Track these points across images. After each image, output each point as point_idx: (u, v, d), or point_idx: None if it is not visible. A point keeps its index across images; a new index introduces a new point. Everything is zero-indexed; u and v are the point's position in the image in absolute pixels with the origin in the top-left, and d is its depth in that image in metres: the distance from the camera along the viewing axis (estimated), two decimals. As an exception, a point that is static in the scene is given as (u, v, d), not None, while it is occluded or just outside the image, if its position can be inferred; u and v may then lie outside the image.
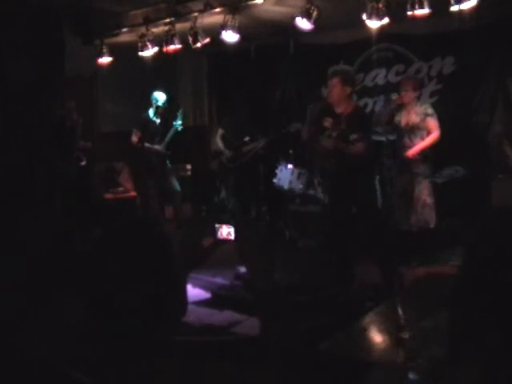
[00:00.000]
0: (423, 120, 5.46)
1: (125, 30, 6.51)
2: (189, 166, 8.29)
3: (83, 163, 6.87)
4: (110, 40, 6.70)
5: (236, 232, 6.68)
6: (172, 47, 6.07)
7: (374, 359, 2.46)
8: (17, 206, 5.44)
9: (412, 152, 5.43)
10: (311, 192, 6.22)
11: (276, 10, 5.86)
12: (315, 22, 5.25)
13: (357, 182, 4.59)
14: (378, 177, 5.73)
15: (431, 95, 6.53)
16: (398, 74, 6.80)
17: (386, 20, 4.96)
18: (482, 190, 5.63)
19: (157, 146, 6.94)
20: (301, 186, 6.25)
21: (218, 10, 5.65)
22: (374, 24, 5.03)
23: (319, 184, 6.13)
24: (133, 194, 7.64)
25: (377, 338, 2.75)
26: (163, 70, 7.57)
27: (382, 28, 5.12)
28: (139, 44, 6.24)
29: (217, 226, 6.83)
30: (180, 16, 5.92)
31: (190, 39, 5.87)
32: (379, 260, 4.66)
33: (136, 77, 7.29)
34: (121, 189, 7.66)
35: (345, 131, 4.60)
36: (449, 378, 1.33)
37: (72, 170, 6.64)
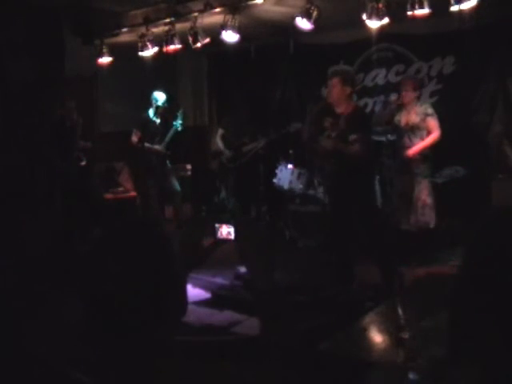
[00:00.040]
0: (423, 120, 5.46)
1: (125, 30, 6.51)
2: (189, 166, 8.29)
3: (83, 163, 6.87)
4: (109, 40, 6.70)
5: (236, 232, 6.70)
6: (172, 47, 6.07)
7: (374, 359, 2.46)
8: (17, 206, 5.44)
9: (412, 151, 5.43)
10: (311, 192, 6.22)
11: (276, 10, 5.86)
12: (315, 22, 5.25)
13: (356, 182, 4.59)
14: (377, 177, 5.73)
15: (431, 95, 6.53)
16: (398, 73, 6.80)
17: (386, 20, 4.96)
18: (482, 190, 5.63)
19: (157, 146, 6.95)
20: (301, 186, 6.26)
21: (218, 9, 5.65)
22: (373, 24, 5.03)
23: (319, 184, 6.13)
24: (133, 194, 7.64)
25: (377, 338, 2.75)
26: (163, 70, 7.58)
27: (382, 28, 5.12)
28: (139, 44, 6.24)
29: (217, 225, 6.83)
30: (180, 16, 5.92)
31: (190, 39, 5.87)
32: (379, 260, 4.66)
33: (136, 77, 7.29)
34: (121, 189, 7.66)
35: (344, 131, 4.60)
36: (449, 378, 1.33)
37: (72, 169, 6.64)
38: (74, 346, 1.27)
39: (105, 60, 6.70)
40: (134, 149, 6.94)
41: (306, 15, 5.21)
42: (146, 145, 6.88)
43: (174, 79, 8.66)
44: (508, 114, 6.08)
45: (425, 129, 5.48)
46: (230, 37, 5.65)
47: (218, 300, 4.76)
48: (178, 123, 6.98)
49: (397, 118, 5.66)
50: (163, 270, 1.24)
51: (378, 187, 5.69)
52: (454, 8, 4.61)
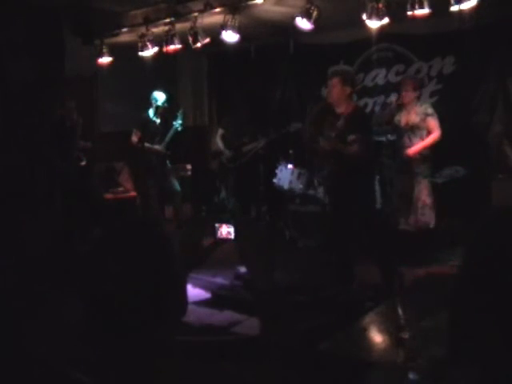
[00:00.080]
0: (423, 120, 5.47)
1: (125, 30, 6.51)
2: (189, 166, 8.29)
3: (83, 163, 6.87)
4: (110, 40, 6.70)
5: (236, 232, 6.70)
6: (172, 47, 6.07)
7: (374, 359, 2.46)
8: (17, 206, 5.45)
9: (412, 150, 5.43)
10: (311, 192, 6.22)
11: (276, 10, 5.86)
12: (315, 22, 5.25)
13: (356, 182, 4.59)
14: (377, 177, 5.73)
15: (431, 95, 6.53)
16: (398, 73, 6.80)
17: (386, 20, 4.96)
18: (482, 190, 5.63)
19: (157, 146, 6.95)
20: (301, 186, 6.26)
21: (218, 10, 5.65)
22: (373, 24, 5.03)
23: (319, 184, 6.13)
24: (133, 194, 7.64)
25: (377, 338, 2.75)
26: (163, 70, 7.58)
27: (382, 28, 5.12)
28: (139, 44, 6.24)
29: (217, 225, 6.84)
30: (180, 16, 5.92)
31: (190, 39, 5.87)
32: (379, 260, 4.66)
33: (136, 77, 7.29)
34: (121, 189, 7.66)
35: (344, 131, 4.60)
36: (449, 378, 1.33)
37: (72, 169, 6.64)
38: (74, 346, 1.27)
39: (105, 60, 6.70)
40: (133, 149, 6.94)
41: (306, 15, 5.21)
42: (146, 145, 6.88)
43: (174, 79, 8.66)
44: (508, 114, 6.08)
45: (425, 129, 5.48)
46: (230, 37, 5.65)
47: (218, 300, 4.76)
48: (178, 123, 6.98)
49: (397, 117, 5.67)
50: (163, 270, 1.24)
51: (377, 187, 5.69)
52: (454, 8, 4.61)
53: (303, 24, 5.29)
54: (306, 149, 5.83)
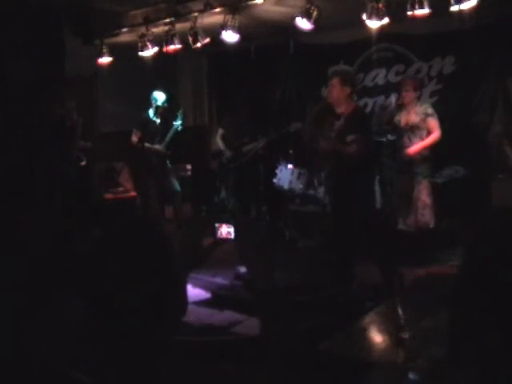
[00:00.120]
0: (423, 120, 5.47)
1: (125, 30, 6.51)
2: (189, 166, 8.29)
3: (83, 163, 6.87)
4: (110, 40, 6.70)
5: (236, 232, 6.70)
6: (172, 47, 6.07)
7: (374, 359, 2.46)
8: (17, 206, 5.44)
9: (412, 150, 5.43)
10: (311, 192, 6.22)
11: (276, 10, 5.86)
12: (315, 22, 5.25)
13: (356, 182, 4.59)
14: (377, 177, 5.73)
15: (431, 95, 6.53)
16: (398, 73, 6.80)
17: (386, 20, 4.96)
18: (482, 190, 5.63)
19: (157, 146, 6.95)
20: (301, 186, 6.26)
21: (218, 10, 5.65)
22: (373, 24, 5.03)
23: (319, 184, 6.13)
24: (133, 194, 7.64)
25: (377, 338, 2.75)
26: (163, 70, 7.57)
27: (382, 28, 5.12)
28: (139, 44, 6.24)
29: (217, 225, 6.84)
30: (180, 16, 5.92)
31: (190, 39, 5.87)
32: (379, 260, 4.66)
33: (136, 77, 7.28)
34: (121, 189, 7.66)
35: (343, 131, 4.60)
36: (449, 378, 1.33)
37: (72, 169, 6.64)
38: (74, 346, 1.27)
39: (105, 60, 6.70)
40: (134, 149, 6.94)
41: (306, 15, 5.21)
42: (146, 145, 6.88)
43: (174, 79, 8.66)
44: (508, 114, 6.08)
45: (425, 129, 5.48)
46: (230, 37, 5.65)
47: (218, 300, 4.76)
48: (178, 123, 6.98)
49: (397, 117, 5.67)
50: (163, 270, 1.24)
51: (378, 187, 5.69)
52: (454, 8, 4.61)
53: (303, 24, 5.29)
54: (306, 149, 5.83)
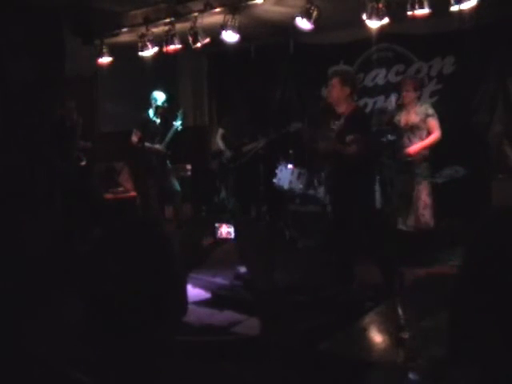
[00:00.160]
0: (423, 120, 5.47)
1: (125, 30, 6.51)
2: (189, 166, 8.29)
3: (83, 163, 6.87)
4: (110, 40, 6.70)
5: (236, 232, 6.70)
6: (172, 47, 6.07)
7: (374, 359, 2.46)
8: (17, 206, 5.44)
9: (413, 149, 5.43)
10: (311, 192, 6.22)
11: (276, 10, 5.86)
12: (315, 22, 5.25)
13: (356, 182, 4.59)
14: (377, 177, 5.73)
15: (431, 95, 6.53)
16: (398, 73, 6.80)
17: (386, 20, 4.96)
18: (482, 190, 5.63)
19: (157, 146, 6.95)
20: (301, 186, 6.25)
21: (218, 9, 5.65)
22: (373, 24, 5.03)
23: (319, 184, 6.13)
24: (133, 194, 7.64)
25: (377, 338, 2.75)
26: (163, 70, 7.57)
27: (382, 28, 5.12)
28: (139, 44, 6.24)
29: (217, 225, 6.84)
30: (180, 16, 5.92)
31: (190, 39, 5.87)
32: (379, 260, 4.66)
33: (136, 77, 7.28)
34: (121, 189, 7.66)
35: (343, 132, 4.60)
36: (449, 378, 1.33)
37: (72, 169, 6.64)
38: (74, 346, 1.27)
39: (105, 60, 6.70)
40: (134, 149, 6.94)
41: (306, 15, 5.21)
42: (147, 144, 6.89)
43: (173, 79, 8.66)
44: (508, 114, 6.08)
45: (424, 129, 5.48)
46: (230, 37, 5.65)
47: (218, 300, 4.76)
48: (178, 123, 6.98)
49: (397, 117, 5.67)
50: (163, 270, 1.24)
51: (378, 187, 5.69)
52: (454, 8, 4.61)
53: (303, 24, 5.30)
54: (306, 149, 5.83)
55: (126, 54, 6.61)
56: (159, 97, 6.94)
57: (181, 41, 6.02)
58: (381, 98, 6.95)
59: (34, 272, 4.54)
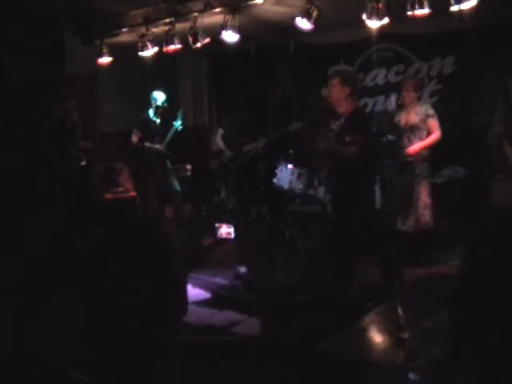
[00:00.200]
0: (423, 121, 5.47)
1: (125, 30, 6.51)
2: (189, 166, 8.29)
3: (83, 163, 6.87)
4: (110, 40, 6.70)
5: (236, 232, 6.70)
6: (172, 47, 6.07)
7: (374, 359, 2.46)
8: (17, 206, 5.44)
9: (413, 149, 5.43)
10: (311, 192, 6.22)
11: (276, 10, 5.86)
12: (315, 22, 5.25)
13: (356, 182, 4.59)
14: (378, 177, 5.73)
15: (431, 95, 6.53)
16: (398, 73, 6.81)
17: (386, 20, 4.96)
18: (482, 190, 5.63)
19: (157, 146, 6.95)
20: (301, 186, 6.25)
21: (218, 10, 5.65)
22: (374, 24, 5.03)
23: (319, 184, 6.13)
24: (133, 194, 7.64)
25: (377, 338, 2.75)
26: (163, 70, 7.57)
27: (382, 28, 5.12)
28: (139, 44, 6.24)
29: (217, 225, 6.85)
30: (180, 16, 5.92)
31: (190, 39, 5.87)
32: (379, 260, 4.66)
33: (136, 77, 7.28)
34: (121, 189, 7.66)
35: (343, 132, 4.60)
36: (449, 378, 1.33)
37: (72, 169, 6.64)
38: (74, 346, 1.27)
39: (105, 60, 6.70)
40: (134, 149, 6.94)
41: (306, 15, 5.21)
42: (147, 144, 6.89)
43: (174, 79, 8.66)
44: (508, 114, 6.08)
45: (424, 129, 5.48)
46: (230, 37, 5.64)
47: (218, 300, 4.76)
48: (178, 123, 6.98)
49: (396, 117, 5.67)
50: (163, 270, 1.24)
51: (378, 187, 5.69)
52: (454, 8, 4.61)
53: (303, 24, 5.29)
54: (306, 149, 5.83)
55: (126, 54, 6.61)
56: (159, 97, 6.94)
57: (181, 41, 6.02)
58: (381, 98, 6.95)
59: (33, 272, 4.54)
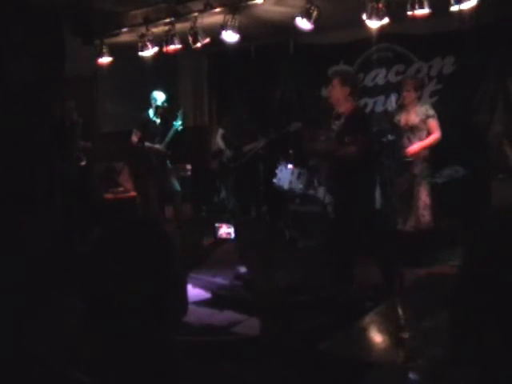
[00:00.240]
0: (424, 121, 5.47)
1: (125, 30, 6.51)
2: (189, 166, 8.29)
3: (83, 163, 6.87)
4: (110, 40, 6.70)
5: (236, 232, 6.70)
6: (172, 47, 6.07)
7: (374, 359, 2.46)
8: (17, 206, 5.44)
9: (412, 149, 5.43)
10: (311, 192, 6.22)
11: (276, 10, 5.86)
12: (315, 22, 5.25)
13: (356, 182, 4.59)
14: (378, 177, 5.73)
15: (431, 95, 6.53)
16: (398, 73, 6.81)
17: (386, 20, 4.96)
18: (482, 190, 5.63)
19: (157, 146, 6.95)
20: (301, 186, 6.25)
21: (218, 10, 5.65)
22: (373, 24, 5.03)
23: (319, 184, 6.13)
24: (133, 194, 7.64)
25: (377, 338, 2.75)
26: (163, 70, 7.57)
27: (382, 28, 5.12)
28: (139, 44, 6.24)
29: (217, 225, 6.86)
30: (180, 16, 5.92)
31: (190, 39, 5.87)
32: (379, 260, 4.66)
33: (136, 77, 7.28)
34: (121, 189, 7.66)
35: (343, 132, 4.60)
36: (449, 378, 1.33)
37: (72, 169, 6.64)
38: (74, 346, 1.27)
39: (105, 60, 6.69)
40: (134, 149, 6.94)
41: (306, 15, 5.21)
42: (147, 144, 6.88)
43: (174, 79, 8.66)
44: (508, 114, 6.08)
45: (424, 130, 5.48)
46: (230, 37, 5.64)
47: (218, 300, 4.76)
48: (178, 123, 6.98)
49: (396, 117, 5.67)
50: (163, 270, 1.24)
51: (378, 187, 5.69)
52: (454, 8, 4.61)
53: (303, 24, 5.29)
54: (306, 149, 5.83)
55: (126, 54, 6.61)
56: (159, 97, 6.94)
57: (181, 41, 6.01)
58: (381, 98, 6.95)
59: (34, 272, 4.54)
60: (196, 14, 5.76)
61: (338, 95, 4.64)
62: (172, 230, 6.77)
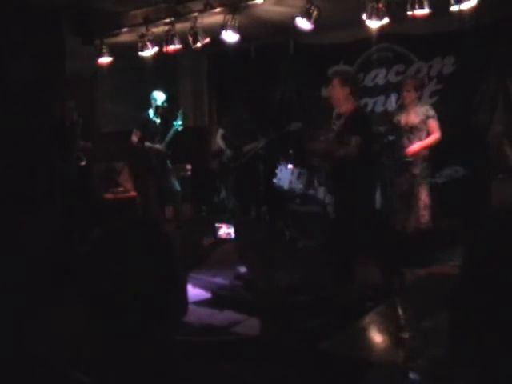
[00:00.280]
0: (423, 121, 5.47)
1: (125, 30, 6.50)
2: (189, 166, 8.29)
3: (83, 163, 6.87)
4: (110, 40, 6.70)
5: (236, 232, 6.70)
6: (172, 47, 6.07)
7: (374, 359, 2.46)
8: (17, 206, 5.44)
9: (412, 150, 5.44)
10: (311, 192, 6.22)
11: (276, 10, 5.86)
12: (315, 22, 5.25)
13: (356, 182, 4.59)
14: (378, 177, 5.73)
15: (431, 95, 6.53)
16: (398, 73, 6.81)
17: (386, 20, 4.96)
18: (482, 190, 5.63)
19: (157, 146, 6.95)
20: (301, 186, 6.25)
21: (218, 10, 5.65)
22: (373, 24, 5.03)
23: (319, 184, 6.13)
24: (133, 194, 7.64)
25: (377, 338, 2.75)
26: (163, 70, 7.57)
27: (382, 28, 5.12)
28: (139, 44, 6.24)
29: (217, 225, 6.85)
30: (180, 16, 5.92)
31: (190, 39, 5.87)
32: (379, 260, 4.66)
33: (136, 77, 7.28)
34: (121, 189, 7.66)
35: (343, 132, 4.60)
36: (449, 378, 1.33)
37: (72, 169, 6.64)
38: (74, 346, 1.27)
39: (105, 60, 6.69)
40: (134, 149, 6.94)
41: (306, 15, 5.21)
42: (147, 144, 6.88)
43: (174, 79, 8.66)
44: (508, 114, 6.08)
45: (424, 130, 5.48)
46: (230, 37, 5.64)
47: (218, 300, 4.76)
48: (178, 123, 6.98)
49: (396, 118, 5.67)
50: (163, 271, 1.24)
51: (378, 188, 5.69)
52: (454, 8, 4.61)
53: (303, 24, 5.29)
54: (307, 149, 5.84)
55: (126, 54, 6.61)
56: (159, 97, 6.94)
57: (181, 41, 6.01)
58: (381, 98, 6.95)
59: (34, 272, 4.54)
60: (196, 14, 5.76)
61: (338, 95, 4.64)
62: (172, 229, 6.77)
